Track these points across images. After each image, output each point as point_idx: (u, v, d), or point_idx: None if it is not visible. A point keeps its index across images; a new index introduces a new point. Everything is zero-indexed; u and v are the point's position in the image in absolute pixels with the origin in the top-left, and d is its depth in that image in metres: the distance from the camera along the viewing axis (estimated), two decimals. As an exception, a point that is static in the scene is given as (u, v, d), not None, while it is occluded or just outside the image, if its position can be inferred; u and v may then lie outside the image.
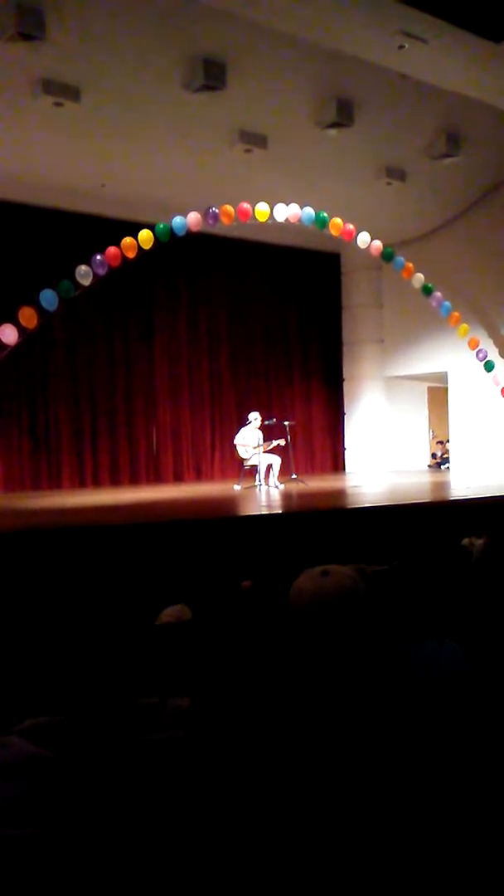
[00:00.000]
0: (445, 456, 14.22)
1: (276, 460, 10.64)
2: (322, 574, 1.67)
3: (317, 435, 14.45)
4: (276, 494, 9.68)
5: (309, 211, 9.87)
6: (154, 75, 8.31)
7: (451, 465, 13.53)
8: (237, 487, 10.55)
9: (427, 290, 11.21)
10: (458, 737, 1.60)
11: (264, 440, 10.66)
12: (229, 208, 9.36)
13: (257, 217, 9.56)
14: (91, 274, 8.70)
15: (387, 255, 10.84)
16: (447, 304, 11.29)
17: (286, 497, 9.30)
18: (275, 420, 10.93)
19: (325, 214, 10.03)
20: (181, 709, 1.65)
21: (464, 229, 12.70)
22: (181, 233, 9.21)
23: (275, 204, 9.63)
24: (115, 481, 12.00)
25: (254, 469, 10.62)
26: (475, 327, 11.87)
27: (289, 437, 10.67)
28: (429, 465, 14.58)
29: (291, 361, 14.11)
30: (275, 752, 1.44)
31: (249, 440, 10.66)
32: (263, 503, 8.74)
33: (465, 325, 11.43)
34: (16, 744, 1.44)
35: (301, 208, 9.80)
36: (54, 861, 1.28)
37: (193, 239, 10.01)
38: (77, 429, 11.71)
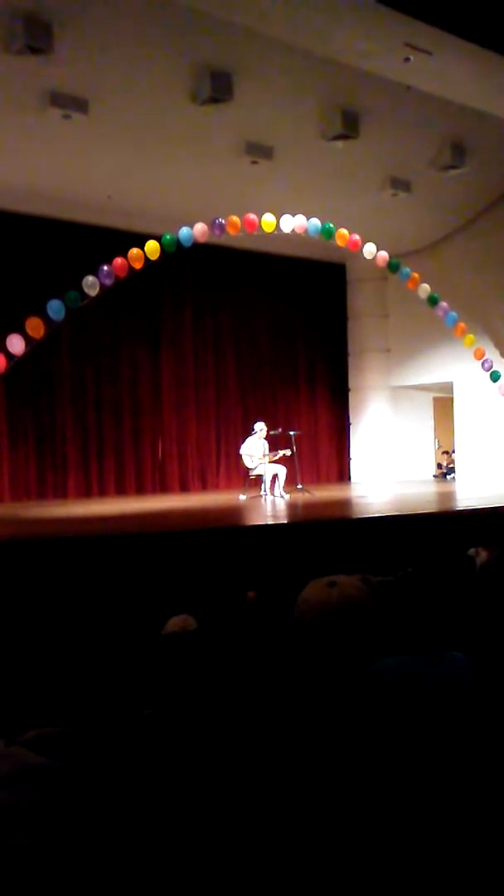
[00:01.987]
0: (451, 466, 14.19)
1: (281, 470, 10.64)
2: (329, 585, 1.67)
3: (322, 445, 14.44)
4: (281, 504, 9.67)
5: (315, 222, 9.89)
6: (161, 87, 8.37)
7: (457, 475, 13.50)
8: (242, 497, 10.54)
9: (433, 301, 11.21)
10: (464, 747, 1.59)
11: (270, 450, 10.66)
12: (236, 219, 9.39)
13: (263, 228, 9.59)
14: (98, 284, 8.73)
15: (393, 266, 10.86)
16: (453, 314, 11.29)
17: (291, 507, 9.29)
18: (280, 430, 10.93)
19: (332, 225, 10.06)
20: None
21: (470, 240, 12.72)
22: (188, 244, 9.25)
23: (281, 215, 9.66)
24: (121, 491, 12.01)
25: (259, 479, 10.61)
26: (481, 337, 11.87)
27: (294, 447, 10.66)
28: (434, 476, 14.55)
29: (297, 371, 14.12)
30: (279, 761, 1.43)
31: (255, 450, 10.66)
32: (269, 513, 8.73)
33: (470, 336, 11.42)
34: (20, 754, 1.44)
35: (307, 219, 9.82)
36: (59, 871, 1.28)
37: (200, 250, 10.04)
38: (83, 438, 11.73)
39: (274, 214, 9.60)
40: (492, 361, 11.50)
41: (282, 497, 10.42)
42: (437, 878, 1.29)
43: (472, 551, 4.37)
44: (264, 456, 10.56)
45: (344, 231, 10.17)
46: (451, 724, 1.78)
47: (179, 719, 1.76)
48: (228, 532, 6.79)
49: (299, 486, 10.78)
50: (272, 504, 9.79)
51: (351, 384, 14.49)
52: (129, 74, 8.12)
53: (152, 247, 8.95)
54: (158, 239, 9.03)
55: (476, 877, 1.30)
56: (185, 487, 12.68)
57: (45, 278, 10.25)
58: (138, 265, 8.93)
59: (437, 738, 1.59)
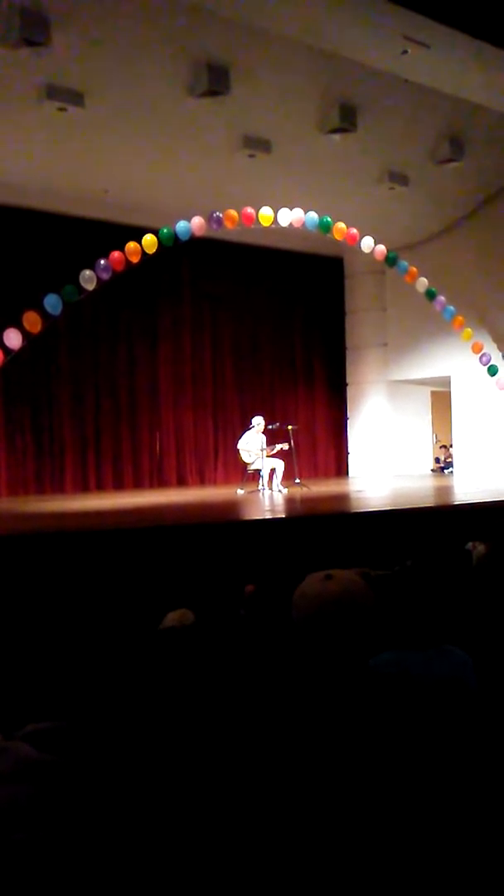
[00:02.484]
0: (449, 460, 14.21)
1: (279, 464, 10.64)
2: (325, 578, 1.67)
3: (320, 439, 14.44)
4: (279, 499, 9.68)
5: (312, 215, 9.88)
6: (158, 80, 8.33)
7: (455, 469, 13.51)
8: (240, 492, 10.54)
9: (430, 294, 11.20)
10: (463, 741, 1.59)
11: (267, 444, 10.66)
12: (233, 213, 9.37)
13: (261, 221, 9.57)
14: (95, 279, 8.71)
15: (390, 260, 10.85)
16: (451, 308, 11.28)
17: (289, 501, 9.29)
18: (278, 424, 10.92)
19: (329, 219, 10.04)
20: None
21: (467, 233, 12.70)
22: (185, 237, 9.23)
23: (278, 208, 9.64)
24: (119, 485, 12.01)
25: (257, 473, 10.61)
26: (479, 331, 11.87)
27: (292, 442, 10.66)
28: (432, 470, 14.56)
29: (295, 365, 14.12)
30: (277, 754, 1.43)
31: (253, 444, 10.66)
32: (266, 507, 8.74)
33: (468, 330, 11.42)
34: (19, 749, 1.44)
35: (304, 213, 9.80)
36: (56, 866, 1.28)
37: (197, 243, 10.02)
38: (81, 433, 11.72)
39: (271, 208, 9.58)
40: (490, 355, 11.50)
41: (279, 491, 10.43)
42: (437, 875, 1.29)
43: (469, 545, 4.38)
44: (262, 450, 10.56)
45: (341, 225, 10.16)
46: (450, 719, 1.78)
47: (178, 713, 1.76)
48: (226, 527, 6.79)
49: (297, 481, 10.79)
50: (270, 498, 9.79)
51: (349, 378, 14.48)
52: (126, 67, 8.08)
53: (149, 241, 8.93)
54: (156, 233, 9.01)
55: (475, 873, 1.30)
56: (182, 482, 12.68)
57: (41, 273, 10.22)
58: (135, 259, 8.91)
59: (435, 732, 1.59)
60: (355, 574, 1.72)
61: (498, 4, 7.69)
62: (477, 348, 11.43)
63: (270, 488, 10.49)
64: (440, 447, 14.97)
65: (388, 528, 6.79)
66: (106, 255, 8.79)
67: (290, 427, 10.81)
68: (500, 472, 11.95)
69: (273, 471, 10.60)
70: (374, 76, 8.78)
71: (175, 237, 9.15)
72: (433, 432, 15.10)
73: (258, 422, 10.78)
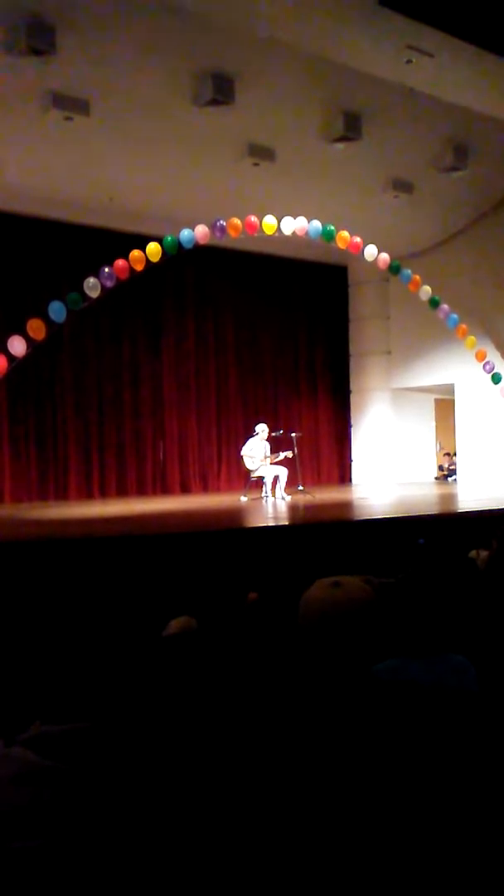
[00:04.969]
0: (452, 468, 14.19)
1: (282, 472, 10.63)
2: (333, 585, 1.67)
3: (324, 446, 14.44)
4: (282, 506, 9.67)
5: (316, 224, 9.89)
6: (163, 89, 8.37)
7: (459, 477, 13.49)
8: (244, 499, 10.54)
9: (434, 303, 11.21)
10: (466, 749, 1.58)
11: (271, 452, 10.66)
12: (237, 221, 9.39)
13: (265, 230, 9.59)
14: (99, 286, 8.74)
15: (394, 268, 10.86)
16: (454, 316, 11.29)
17: (293, 509, 9.28)
18: (282, 431, 10.93)
19: (333, 227, 10.06)
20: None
21: (471, 242, 12.72)
22: (189, 245, 9.25)
23: (282, 217, 9.66)
24: (122, 492, 12.01)
25: (260, 480, 10.61)
26: (482, 339, 11.87)
27: (296, 449, 10.66)
28: (436, 478, 14.54)
29: (299, 373, 14.13)
30: (280, 761, 1.43)
31: (256, 452, 10.66)
32: (270, 515, 8.73)
33: (472, 338, 11.41)
34: (20, 754, 1.44)
35: (308, 221, 9.82)
36: (58, 873, 1.27)
37: (201, 252, 10.05)
38: (84, 439, 11.74)
39: (275, 216, 9.59)
40: (493, 363, 11.50)
41: (283, 499, 10.42)
42: (439, 880, 1.29)
43: (473, 553, 4.37)
44: (265, 458, 10.56)
45: (345, 233, 10.17)
46: (453, 727, 1.77)
47: (180, 720, 1.75)
48: (229, 534, 6.79)
49: (300, 488, 10.78)
50: (273, 506, 9.78)
51: (352, 386, 14.49)
52: (131, 76, 8.13)
53: (153, 249, 8.95)
54: (160, 241, 9.04)
55: (476, 879, 1.29)
56: (186, 489, 12.68)
57: (46, 280, 10.26)
58: (139, 267, 8.93)
59: (437, 739, 1.58)
60: (361, 581, 1.72)
61: (502, 13, 7.72)
62: (480, 356, 11.42)
63: (274, 496, 10.48)
64: (444, 455, 14.95)
65: (391, 535, 6.78)
66: (110, 263, 8.82)
67: (293, 434, 10.81)
68: (503, 480, 11.93)
69: (276, 478, 10.60)
70: (378, 85, 8.81)
71: (179, 245, 9.17)
72: (437, 440, 15.09)
73: (262, 429, 10.78)
